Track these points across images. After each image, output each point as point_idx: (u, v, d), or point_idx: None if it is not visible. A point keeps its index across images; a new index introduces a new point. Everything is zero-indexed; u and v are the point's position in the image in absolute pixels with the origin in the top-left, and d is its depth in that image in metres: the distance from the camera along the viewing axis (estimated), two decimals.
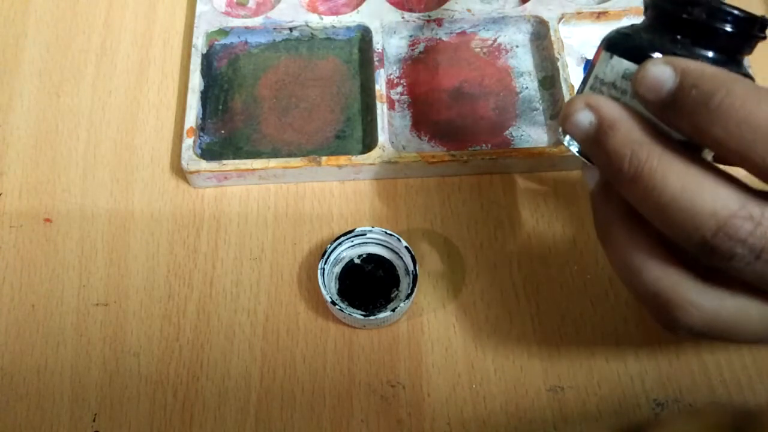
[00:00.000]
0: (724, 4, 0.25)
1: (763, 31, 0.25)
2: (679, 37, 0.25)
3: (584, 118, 0.25)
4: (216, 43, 0.45)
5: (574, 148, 0.27)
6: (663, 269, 0.24)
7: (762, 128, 0.21)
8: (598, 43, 0.27)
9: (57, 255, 0.38)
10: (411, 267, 0.35)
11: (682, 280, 0.24)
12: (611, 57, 0.26)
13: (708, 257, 0.23)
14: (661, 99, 0.23)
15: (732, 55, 0.26)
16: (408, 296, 0.34)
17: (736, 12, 0.25)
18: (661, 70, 0.23)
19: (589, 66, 0.29)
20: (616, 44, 0.26)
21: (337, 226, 0.39)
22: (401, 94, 0.43)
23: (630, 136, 0.23)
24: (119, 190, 0.40)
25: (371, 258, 0.37)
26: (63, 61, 0.45)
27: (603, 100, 0.25)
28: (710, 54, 0.25)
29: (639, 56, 0.25)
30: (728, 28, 0.25)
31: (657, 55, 0.25)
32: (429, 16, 0.45)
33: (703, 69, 0.23)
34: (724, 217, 0.22)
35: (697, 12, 0.25)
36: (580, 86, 0.29)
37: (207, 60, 0.44)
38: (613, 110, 0.24)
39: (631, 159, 0.23)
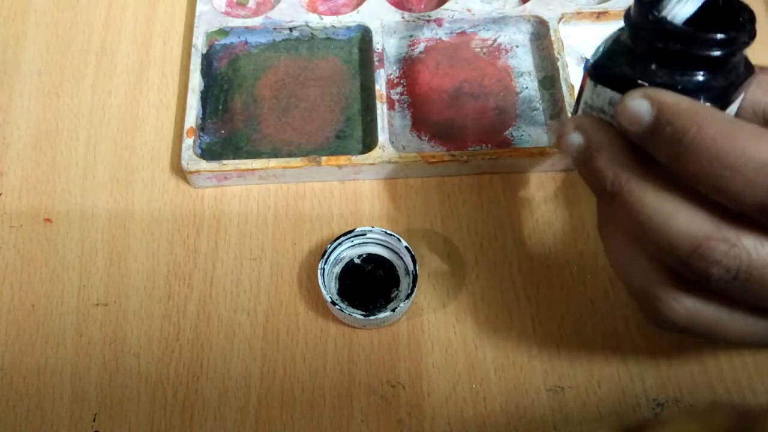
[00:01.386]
0: (698, 28, 0.24)
1: (746, 42, 0.25)
2: (656, 65, 0.25)
3: (574, 139, 0.26)
4: (216, 43, 0.45)
5: None
6: (652, 266, 0.25)
7: (734, 165, 0.22)
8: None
9: (57, 255, 0.38)
10: (411, 267, 0.35)
11: (668, 279, 0.25)
12: (595, 86, 0.26)
13: (687, 274, 0.24)
14: (640, 132, 0.24)
15: (717, 69, 0.25)
16: (408, 296, 0.34)
17: (710, 36, 0.24)
18: (639, 103, 0.24)
19: (580, 86, 0.28)
20: (599, 74, 0.26)
21: (337, 226, 0.39)
22: (401, 94, 0.43)
23: (613, 159, 0.25)
24: (119, 190, 0.40)
25: (371, 258, 0.37)
26: (63, 61, 0.45)
27: (591, 124, 0.26)
28: (692, 77, 0.25)
29: (621, 86, 0.25)
30: (706, 53, 0.24)
31: (641, 82, 0.25)
32: (429, 16, 0.45)
33: (678, 104, 0.23)
34: (698, 239, 0.23)
35: (671, 44, 0.24)
36: (575, 105, 0.29)
37: (207, 60, 0.44)
38: (599, 134, 0.26)
39: (612, 181, 0.25)
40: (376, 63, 0.42)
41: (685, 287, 0.25)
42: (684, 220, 0.23)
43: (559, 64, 0.42)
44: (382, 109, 0.40)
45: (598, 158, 0.25)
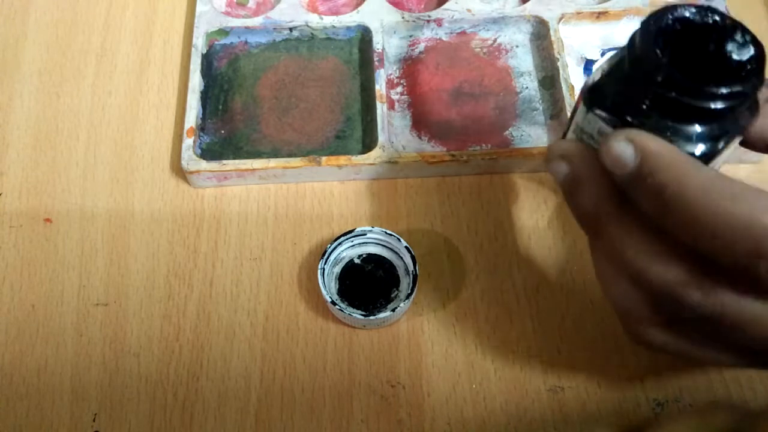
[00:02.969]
0: (696, 79, 0.22)
1: (749, 96, 0.23)
2: (648, 105, 0.24)
3: (560, 168, 0.26)
4: (216, 43, 0.45)
5: None
6: (634, 292, 0.25)
7: (714, 226, 0.22)
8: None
9: (57, 255, 0.38)
10: (411, 267, 0.35)
11: (647, 308, 0.25)
12: (587, 112, 0.26)
13: (663, 309, 0.25)
14: (623, 176, 0.24)
15: (714, 120, 0.23)
16: (408, 296, 0.34)
17: (709, 89, 0.22)
18: (623, 148, 0.23)
19: (577, 101, 0.27)
20: (593, 101, 0.25)
21: (337, 226, 0.39)
22: (401, 94, 0.43)
23: (597, 195, 0.25)
24: (119, 190, 0.40)
25: (371, 258, 0.37)
26: (63, 61, 0.45)
27: (578, 154, 0.26)
28: (685, 126, 0.23)
29: (612, 120, 0.24)
30: (703, 105, 0.23)
31: (630, 120, 0.24)
32: (429, 16, 0.45)
33: (661, 157, 0.23)
34: (673, 285, 0.23)
35: (666, 90, 0.23)
36: (568, 122, 0.28)
37: (207, 60, 0.44)
38: (584, 167, 0.25)
39: (593, 216, 0.25)
40: (376, 63, 0.42)
41: (664, 320, 0.25)
42: (662, 266, 0.23)
43: (559, 64, 0.42)
44: (382, 109, 0.40)
45: (581, 192, 0.25)
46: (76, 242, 0.38)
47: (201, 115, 0.41)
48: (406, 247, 0.35)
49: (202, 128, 0.41)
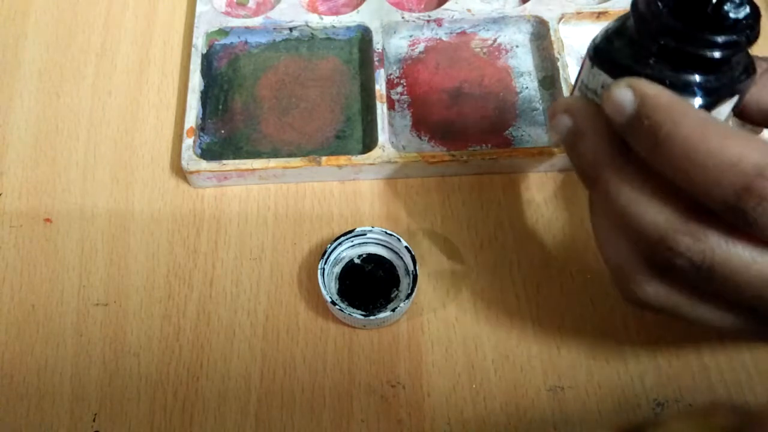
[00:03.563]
0: (703, 21, 0.24)
1: (744, 47, 0.24)
2: (650, 57, 0.25)
3: (563, 121, 0.27)
4: (216, 43, 0.45)
5: None
6: (629, 248, 0.26)
7: (703, 164, 0.22)
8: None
9: (57, 255, 0.38)
10: (411, 267, 0.35)
11: (641, 263, 0.26)
12: (592, 67, 0.27)
13: (655, 262, 0.25)
14: (622, 122, 0.25)
15: (711, 70, 0.25)
16: (408, 296, 0.34)
17: (706, 37, 0.24)
18: (623, 93, 0.24)
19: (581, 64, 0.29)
20: (598, 56, 0.27)
21: (337, 226, 0.39)
22: (401, 94, 0.43)
23: (596, 146, 0.26)
24: (119, 190, 0.40)
25: (371, 258, 0.37)
26: (63, 61, 0.45)
27: (580, 107, 0.27)
28: (684, 75, 0.25)
29: (615, 71, 0.26)
30: (700, 53, 0.24)
31: (634, 70, 0.25)
32: (429, 16, 0.45)
33: (659, 99, 0.24)
34: (665, 231, 0.24)
35: (666, 39, 0.24)
36: (574, 81, 0.29)
37: (207, 60, 0.44)
38: (586, 119, 0.26)
39: (593, 166, 0.26)
40: (376, 63, 0.42)
41: (656, 273, 0.26)
42: (654, 212, 0.24)
43: (559, 64, 0.42)
44: (382, 109, 0.40)
45: (582, 144, 0.26)
46: (76, 242, 0.38)
47: (201, 115, 0.41)
48: (406, 247, 0.35)
49: (202, 128, 0.41)
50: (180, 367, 0.35)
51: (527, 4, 0.45)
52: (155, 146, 0.42)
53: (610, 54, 0.26)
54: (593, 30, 0.45)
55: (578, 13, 0.44)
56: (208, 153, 0.41)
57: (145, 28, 0.46)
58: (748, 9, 0.24)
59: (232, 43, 0.45)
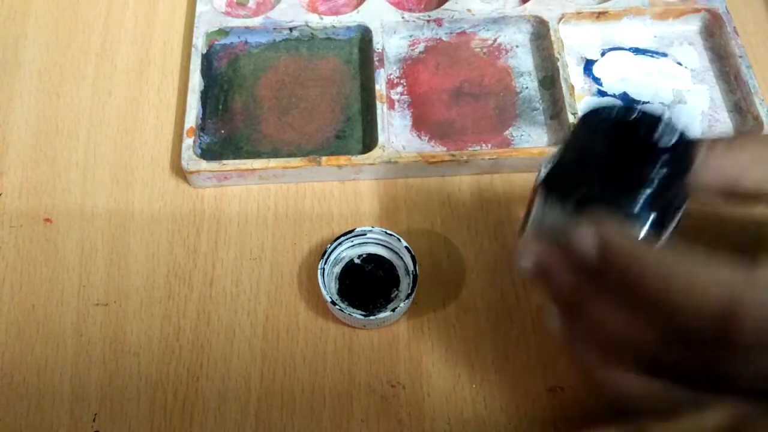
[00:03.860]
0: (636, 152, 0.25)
1: (679, 175, 0.26)
2: (594, 190, 0.26)
3: (529, 262, 0.28)
4: (216, 43, 0.45)
5: None
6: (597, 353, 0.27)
7: (676, 301, 0.23)
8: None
9: (57, 255, 0.38)
10: (411, 267, 0.35)
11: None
12: (543, 203, 0.28)
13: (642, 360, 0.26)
14: (591, 263, 0.25)
15: (650, 197, 0.26)
16: (408, 296, 0.34)
17: (645, 170, 0.25)
18: (586, 238, 0.25)
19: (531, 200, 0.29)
20: (546, 191, 0.27)
21: (337, 226, 0.39)
22: (401, 94, 0.43)
23: (564, 281, 0.27)
24: (119, 190, 0.40)
25: (371, 258, 0.37)
26: (63, 61, 0.45)
27: (541, 250, 0.28)
28: (629, 203, 0.26)
29: (566, 203, 0.27)
30: (643, 185, 0.25)
31: (580, 201, 0.26)
32: (429, 16, 0.45)
33: (620, 241, 0.24)
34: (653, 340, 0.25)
35: (604, 171, 0.25)
36: (524, 217, 0.30)
37: (207, 60, 0.44)
38: (550, 258, 0.27)
39: (566, 296, 0.27)
40: (376, 63, 0.42)
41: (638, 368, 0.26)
42: (637, 328, 0.25)
43: (559, 64, 0.42)
44: (382, 109, 0.40)
45: (553, 277, 0.27)
46: (76, 242, 0.38)
47: (201, 115, 0.41)
48: (406, 247, 0.35)
49: (202, 128, 0.41)
50: (180, 367, 0.35)
51: (527, 4, 0.45)
52: (155, 146, 0.42)
53: (558, 189, 0.27)
54: (593, 30, 0.45)
55: (578, 13, 0.44)
56: (208, 153, 0.41)
57: (145, 28, 0.46)
58: (677, 135, 0.25)
59: (232, 43, 0.45)
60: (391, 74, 0.44)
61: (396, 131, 0.41)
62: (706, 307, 0.22)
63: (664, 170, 0.25)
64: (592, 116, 0.27)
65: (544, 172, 0.28)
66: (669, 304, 0.23)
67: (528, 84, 0.43)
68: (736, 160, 0.27)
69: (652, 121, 0.26)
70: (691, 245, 0.24)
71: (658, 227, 0.26)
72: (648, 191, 0.25)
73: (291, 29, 0.45)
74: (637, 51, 0.45)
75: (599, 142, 0.26)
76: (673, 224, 0.27)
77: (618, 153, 0.25)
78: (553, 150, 0.28)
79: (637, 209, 0.26)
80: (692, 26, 0.45)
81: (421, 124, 0.42)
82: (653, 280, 0.23)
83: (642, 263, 0.24)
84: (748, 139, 0.27)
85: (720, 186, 0.28)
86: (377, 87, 0.41)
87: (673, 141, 0.25)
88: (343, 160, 0.39)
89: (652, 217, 0.26)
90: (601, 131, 0.26)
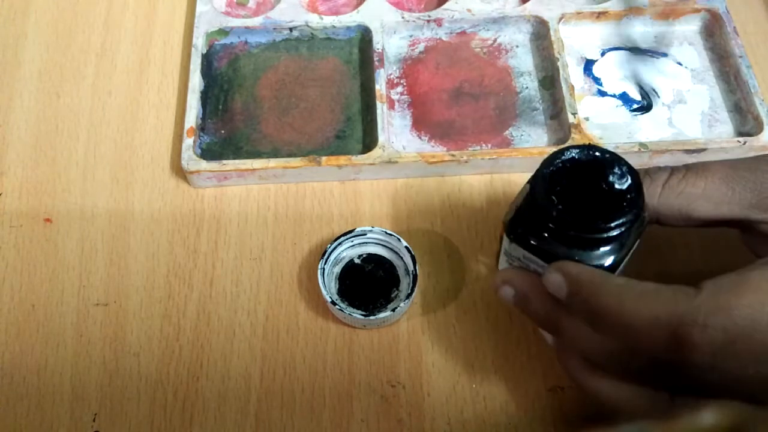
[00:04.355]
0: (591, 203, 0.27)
1: (628, 227, 0.27)
2: (554, 239, 0.28)
3: (507, 292, 0.30)
4: (216, 43, 0.45)
5: None
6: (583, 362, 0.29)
7: (630, 327, 0.25)
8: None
9: (57, 255, 0.38)
10: (411, 267, 0.35)
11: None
12: (510, 242, 0.30)
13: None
14: (562, 298, 0.28)
15: (609, 243, 0.28)
16: (408, 296, 0.34)
17: (597, 225, 0.26)
18: (555, 278, 0.28)
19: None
20: (512, 232, 0.29)
21: (337, 226, 0.39)
22: (401, 94, 0.43)
23: (543, 303, 0.29)
24: (119, 190, 0.40)
25: (371, 258, 0.37)
26: (63, 61, 0.45)
27: (516, 276, 0.30)
28: (589, 251, 0.28)
29: (527, 246, 0.29)
30: (595, 237, 0.27)
31: (535, 245, 0.29)
32: (429, 16, 0.45)
33: (580, 276, 0.27)
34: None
35: (563, 229, 0.27)
36: (498, 249, 0.32)
37: (207, 60, 0.44)
38: (524, 285, 0.30)
39: (545, 321, 0.29)
40: (376, 63, 0.42)
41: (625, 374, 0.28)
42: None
43: (559, 64, 0.42)
44: (382, 109, 0.40)
45: (530, 306, 0.30)
46: (76, 242, 0.38)
47: (201, 115, 0.41)
48: (406, 247, 0.35)
49: (202, 128, 0.41)
50: (180, 367, 0.35)
51: (527, 4, 0.45)
52: (155, 146, 0.42)
53: (522, 232, 0.29)
54: (593, 30, 0.45)
55: (578, 13, 0.44)
56: (208, 153, 0.41)
57: (145, 28, 0.46)
58: (629, 180, 0.27)
59: (232, 43, 0.45)
60: (391, 74, 0.44)
61: (396, 131, 0.41)
62: (655, 331, 0.25)
63: (621, 215, 0.26)
64: (551, 161, 0.28)
65: (510, 213, 0.30)
66: (627, 330, 0.25)
67: (528, 84, 0.43)
68: (687, 196, 0.29)
69: (606, 164, 0.27)
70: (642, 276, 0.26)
71: (617, 256, 0.28)
72: (605, 235, 0.27)
73: (291, 29, 0.45)
74: (637, 51, 0.45)
75: (557, 187, 0.27)
76: (632, 251, 0.29)
77: (573, 197, 0.27)
78: (524, 187, 0.30)
79: (597, 253, 0.28)
80: (692, 26, 0.45)
81: (421, 124, 0.42)
82: (611, 309, 0.26)
83: (601, 292, 0.26)
84: (702, 172, 0.29)
85: (676, 215, 0.30)
86: (377, 87, 0.41)
87: (627, 184, 0.27)
88: (343, 160, 0.39)
89: (612, 259, 0.28)
90: (558, 176, 0.28)
